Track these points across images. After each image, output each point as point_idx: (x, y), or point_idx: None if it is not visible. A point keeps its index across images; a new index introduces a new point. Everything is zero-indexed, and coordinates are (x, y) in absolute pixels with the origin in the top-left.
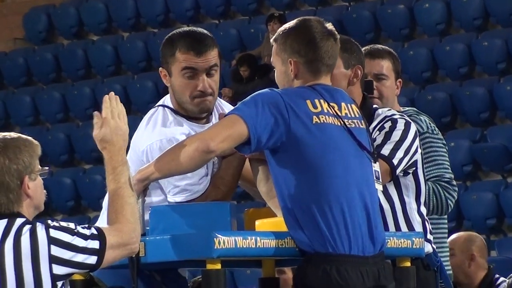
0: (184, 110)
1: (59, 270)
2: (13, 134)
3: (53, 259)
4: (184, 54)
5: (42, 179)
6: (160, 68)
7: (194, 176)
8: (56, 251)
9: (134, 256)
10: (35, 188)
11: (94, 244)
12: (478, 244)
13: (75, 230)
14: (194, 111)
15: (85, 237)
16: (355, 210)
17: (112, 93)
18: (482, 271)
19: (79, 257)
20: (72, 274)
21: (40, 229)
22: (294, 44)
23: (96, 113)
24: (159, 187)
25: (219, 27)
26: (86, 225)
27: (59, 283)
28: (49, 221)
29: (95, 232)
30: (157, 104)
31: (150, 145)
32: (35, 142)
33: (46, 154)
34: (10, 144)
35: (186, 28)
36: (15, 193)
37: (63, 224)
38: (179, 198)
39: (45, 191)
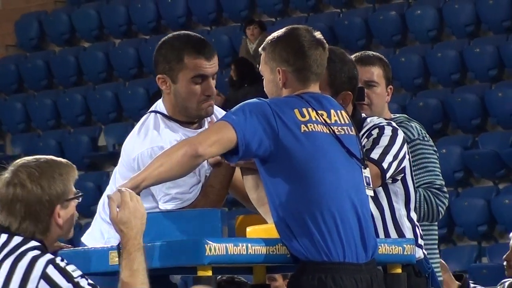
0: (182, 116)
1: None
2: (50, 160)
3: None
4: (194, 60)
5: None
6: (160, 75)
7: (185, 185)
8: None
9: None
10: (66, 216)
11: None
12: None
13: (75, 280)
14: (200, 115)
15: None
16: (347, 217)
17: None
18: (452, 285)
19: None
20: None
21: (41, 261)
22: (283, 53)
23: (110, 195)
24: (150, 194)
25: (211, 34)
26: (93, 284)
27: None
28: (58, 259)
29: None
30: (149, 110)
31: (141, 153)
32: (73, 166)
33: None
34: (45, 172)
35: (182, 32)
36: (45, 223)
37: (69, 268)
38: (169, 206)
39: (77, 213)
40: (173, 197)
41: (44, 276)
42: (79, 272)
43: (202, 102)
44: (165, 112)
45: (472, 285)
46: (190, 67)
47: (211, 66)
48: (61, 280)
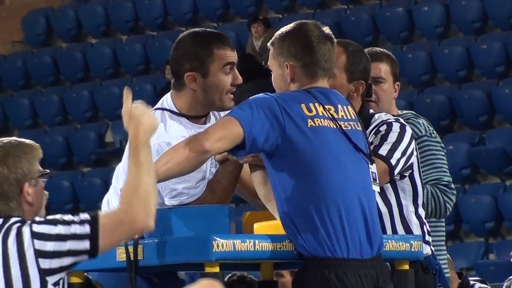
0: (200, 110)
1: (46, 263)
2: (13, 141)
3: (38, 254)
4: (223, 50)
5: (43, 181)
6: (189, 73)
7: (191, 180)
8: (40, 244)
9: (132, 259)
10: (35, 194)
11: (84, 229)
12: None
13: (60, 220)
14: (224, 107)
15: (69, 223)
16: (353, 213)
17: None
18: (454, 283)
19: (66, 245)
20: (67, 266)
21: (25, 227)
22: (291, 48)
23: (127, 87)
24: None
25: (218, 30)
26: (82, 213)
27: (50, 279)
28: (36, 218)
29: (86, 217)
30: (154, 107)
31: None
32: (36, 146)
33: (44, 157)
34: (9, 152)
35: (199, 29)
36: (15, 201)
37: (49, 217)
38: (176, 201)
39: (46, 192)
40: (180, 192)
41: (35, 236)
42: (59, 215)
43: (229, 93)
44: (174, 109)
45: (472, 281)
46: (221, 56)
47: (235, 56)
48: (50, 228)
